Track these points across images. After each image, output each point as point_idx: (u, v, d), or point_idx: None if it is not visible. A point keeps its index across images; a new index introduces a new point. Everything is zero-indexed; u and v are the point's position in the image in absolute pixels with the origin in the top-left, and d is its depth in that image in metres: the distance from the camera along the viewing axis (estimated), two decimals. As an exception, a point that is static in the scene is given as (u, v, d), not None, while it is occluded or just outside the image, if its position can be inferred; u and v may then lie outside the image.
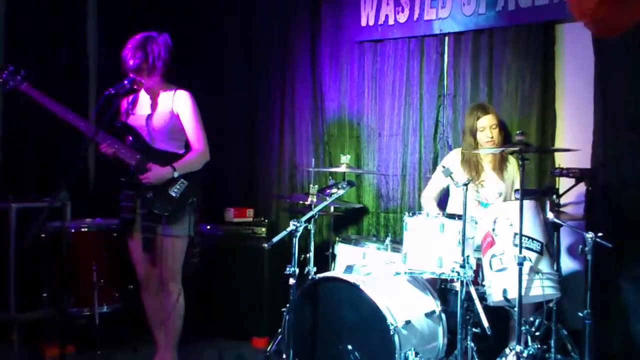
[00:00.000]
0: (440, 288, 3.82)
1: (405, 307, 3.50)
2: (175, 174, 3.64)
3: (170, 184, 3.65)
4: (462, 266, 3.38)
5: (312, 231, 4.10)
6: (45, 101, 3.59)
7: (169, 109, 3.71)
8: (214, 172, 3.86)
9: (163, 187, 3.64)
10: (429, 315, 3.58)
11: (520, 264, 3.24)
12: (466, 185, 3.41)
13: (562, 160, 4.05)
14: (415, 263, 3.55)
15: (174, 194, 3.65)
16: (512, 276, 3.31)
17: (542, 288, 3.35)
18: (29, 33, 4.91)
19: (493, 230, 3.49)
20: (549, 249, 3.48)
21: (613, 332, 3.86)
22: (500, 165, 4.10)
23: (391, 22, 4.70)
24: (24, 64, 3.70)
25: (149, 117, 3.72)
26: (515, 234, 3.32)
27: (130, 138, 3.72)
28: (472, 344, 3.51)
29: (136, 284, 3.93)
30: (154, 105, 3.74)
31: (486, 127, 4.03)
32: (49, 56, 5.03)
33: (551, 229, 3.64)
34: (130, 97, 3.79)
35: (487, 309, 3.46)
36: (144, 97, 3.78)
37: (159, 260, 3.69)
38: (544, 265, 3.39)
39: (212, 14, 5.38)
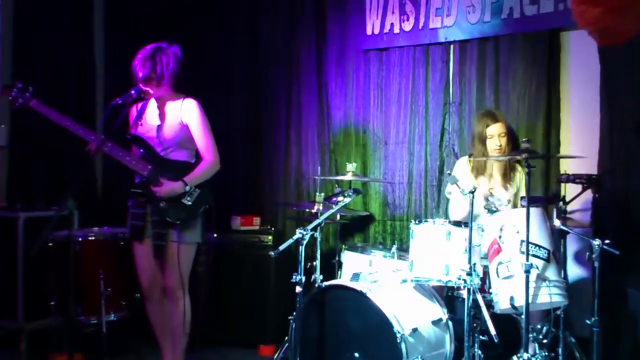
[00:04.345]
0: (447, 296, 3.82)
1: (412, 314, 3.49)
2: (187, 188, 3.66)
3: (182, 194, 3.68)
4: (469, 274, 3.38)
5: (319, 239, 4.12)
6: (55, 117, 3.62)
7: (178, 119, 3.74)
8: (220, 180, 3.87)
9: (176, 197, 3.67)
10: (436, 322, 3.58)
11: (527, 272, 3.23)
12: (472, 192, 3.41)
13: (568, 167, 4.04)
14: (421, 271, 3.55)
15: (187, 202, 3.67)
16: (519, 283, 3.30)
17: (550, 295, 3.35)
18: (36, 41, 4.94)
19: (500, 237, 3.49)
20: (556, 256, 3.47)
21: (621, 339, 3.84)
22: (508, 173, 4.10)
23: (396, 30, 4.71)
24: (30, 73, 3.73)
25: (159, 127, 3.75)
26: (522, 241, 3.32)
27: (141, 150, 3.74)
28: (480, 352, 3.50)
29: (141, 293, 3.94)
30: (162, 116, 3.77)
31: (495, 135, 4.03)
32: (56, 64, 5.06)
33: (558, 236, 3.64)
34: (139, 106, 3.81)
35: (494, 317, 3.46)
36: (152, 107, 3.81)
37: (168, 267, 3.71)
38: (551, 273, 3.38)
39: (217, 21, 5.41)
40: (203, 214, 3.76)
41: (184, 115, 3.74)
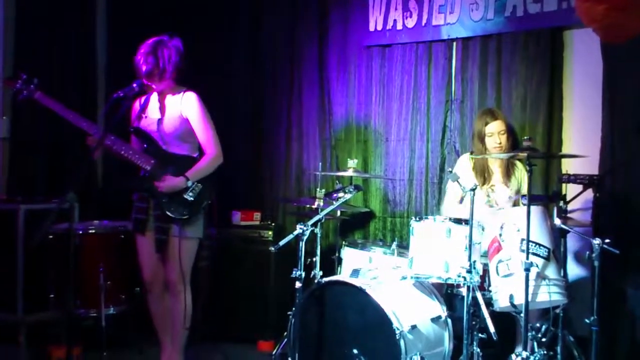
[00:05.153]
0: (447, 293, 3.81)
1: (411, 311, 3.49)
2: (189, 183, 3.65)
3: (184, 190, 3.67)
4: (469, 271, 3.37)
5: (319, 235, 4.11)
6: (59, 109, 3.62)
7: (178, 113, 3.73)
8: (221, 175, 3.87)
9: (178, 192, 3.66)
10: (435, 320, 3.58)
11: (527, 270, 3.23)
12: (473, 190, 3.41)
13: (569, 166, 4.03)
14: (421, 268, 3.54)
15: (189, 198, 3.66)
16: (518, 282, 3.30)
17: (549, 294, 3.35)
18: (38, 34, 4.93)
19: (500, 235, 3.48)
20: (556, 255, 3.47)
21: (619, 339, 3.84)
22: (508, 171, 4.10)
23: (399, 27, 4.70)
24: (32, 66, 3.74)
25: (160, 121, 3.74)
26: (522, 239, 3.32)
27: (144, 144, 3.73)
28: (478, 350, 3.50)
29: (142, 286, 3.94)
30: (162, 109, 3.76)
31: (494, 133, 4.02)
32: (58, 58, 5.05)
33: (558, 235, 3.63)
34: (142, 100, 3.80)
35: (494, 315, 3.45)
36: (154, 100, 3.80)
37: (170, 262, 3.71)
38: (551, 271, 3.38)
39: (220, 18, 5.40)
40: (205, 210, 3.75)
41: (184, 108, 3.73)
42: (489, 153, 4.05)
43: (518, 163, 4.12)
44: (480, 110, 4.23)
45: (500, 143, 4.02)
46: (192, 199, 3.68)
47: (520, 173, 4.10)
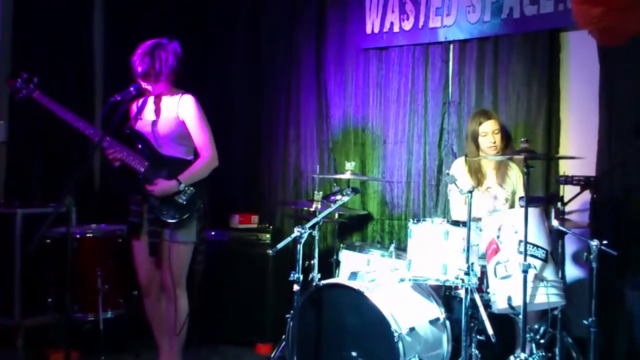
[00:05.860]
0: (445, 295, 3.81)
1: (409, 314, 3.49)
2: (181, 187, 3.64)
3: (176, 193, 3.66)
4: (467, 273, 3.38)
5: (317, 238, 4.10)
6: (56, 109, 3.62)
7: (174, 115, 3.72)
8: (219, 178, 3.86)
9: (170, 195, 3.65)
10: (434, 322, 3.58)
11: (525, 272, 3.23)
12: (471, 192, 3.41)
13: (567, 167, 4.04)
14: (419, 270, 3.55)
15: (181, 201, 3.65)
16: (516, 283, 3.30)
17: (547, 295, 3.34)
18: (35, 36, 4.93)
19: (498, 237, 3.48)
20: (554, 257, 3.47)
21: (618, 340, 3.85)
22: (502, 172, 4.10)
23: (396, 29, 4.71)
24: (29, 69, 3.74)
25: (154, 123, 3.73)
26: (520, 241, 3.32)
27: (139, 145, 3.73)
28: (477, 352, 3.50)
29: (139, 290, 3.93)
30: (158, 111, 3.74)
31: (488, 132, 4.03)
32: (55, 61, 5.05)
33: (556, 237, 3.64)
34: (140, 102, 3.80)
35: (492, 317, 3.45)
36: (150, 103, 3.79)
37: (164, 266, 3.70)
38: (549, 273, 3.38)
39: (218, 19, 5.40)
40: (198, 213, 3.74)
41: (180, 111, 3.72)
42: (484, 154, 4.05)
43: (512, 164, 4.12)
44: (473, 112, 4.24)
45: (494, 142, 4.02)
46: (184, 202, 3.66)
47: (516, 175, 4.10)
